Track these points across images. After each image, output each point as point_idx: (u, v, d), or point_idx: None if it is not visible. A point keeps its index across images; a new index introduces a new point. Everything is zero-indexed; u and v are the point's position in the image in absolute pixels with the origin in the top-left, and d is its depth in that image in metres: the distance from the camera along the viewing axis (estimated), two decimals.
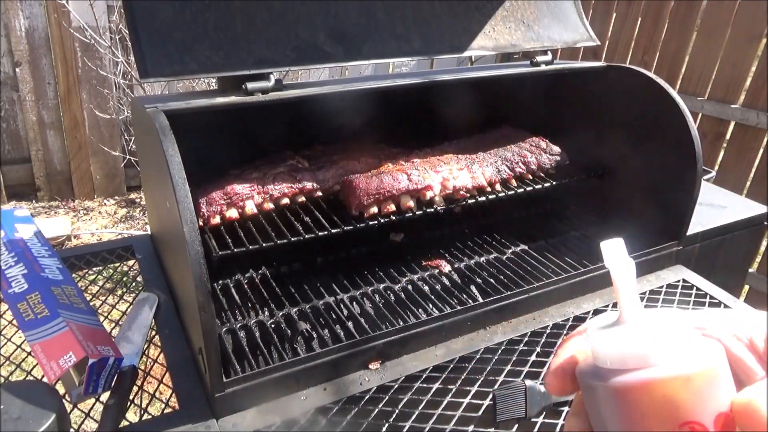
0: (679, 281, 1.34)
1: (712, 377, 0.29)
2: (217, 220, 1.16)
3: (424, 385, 0.99)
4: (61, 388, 0.88)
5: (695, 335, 0.32)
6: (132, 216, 4.02)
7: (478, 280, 1.31)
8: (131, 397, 0.95)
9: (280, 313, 1.17)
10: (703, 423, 0.29)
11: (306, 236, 1.15)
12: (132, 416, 0.93)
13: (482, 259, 1.39)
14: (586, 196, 1.63)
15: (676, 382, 0.29)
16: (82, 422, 0.95)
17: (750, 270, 2.77)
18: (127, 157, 4.01)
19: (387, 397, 0.96)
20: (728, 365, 0.30)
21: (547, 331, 1.15)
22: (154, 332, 1.13)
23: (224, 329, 1.11)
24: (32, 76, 3.77)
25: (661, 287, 1.31)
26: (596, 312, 1.22)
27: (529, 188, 1.39)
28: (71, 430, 0.83)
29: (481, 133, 1.57)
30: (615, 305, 0.34)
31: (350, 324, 1.13)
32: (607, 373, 0.31)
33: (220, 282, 1.28)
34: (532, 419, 0.93)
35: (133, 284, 1.38)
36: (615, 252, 0.34)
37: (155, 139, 0.89)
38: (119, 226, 3.88)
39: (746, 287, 2.87)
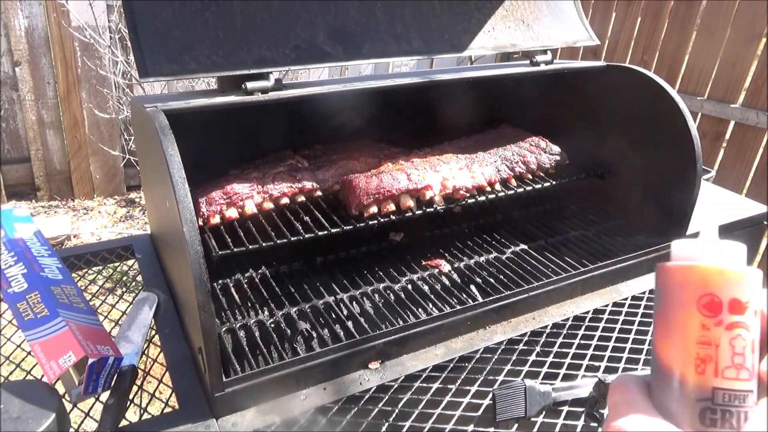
0: None
1: (738, 278, 0.43)
2: (216, 219, 1.16)
3: (424, 385, 0.99)
4: (60, 388, 0.88)
5: (742, 259, 0.45)
6: (132, 215, 4.02)
7: (478, 279, 1.31)
8: (131, 397, 0.95)
9: (280, 313, 1.17)
10: (720, 297, 0.42)
11: (306, 236, 1.15)
12: (132, 416, 0.93)
13: (482, 258, 1.39)
14: (585, 196, 1.63)
15: (714, 269, 0.43)
16: (82, 422, 0.95)
17: None
18: (127, 156, 4.01)
19: (387, 397, 0.96)
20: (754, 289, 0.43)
21: (547, 330, 1.15)
22: (153, 332, 1.13)
23: (224, 329, 1.11)
24: (32, 75, 3.77)
25: None
26: (596, 311, 1.22)
27: (528, 188, 1.39)
28: (71, 429, 0.83)
29: (480, 132, 1.57)
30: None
31: (350, 324, 1.13)
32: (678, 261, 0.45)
33: (220, 282, 1.28)
34: (532, 419, 0.93)
35: (133, 284, 1.38)
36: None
37: (155, 139, 0.89)
38: (119, 226, 3.88)
39: None
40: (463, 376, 1.01)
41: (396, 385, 0.99)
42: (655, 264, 0.46)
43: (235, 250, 1.09)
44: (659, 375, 0.44)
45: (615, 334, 1.14)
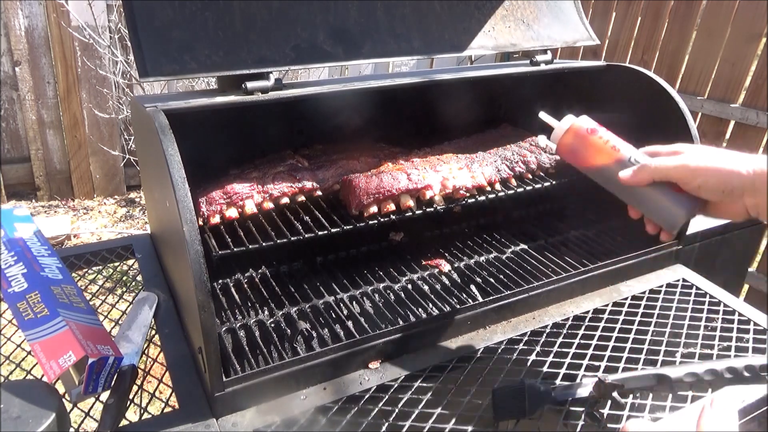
0: (678, 280, 1.34)
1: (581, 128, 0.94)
2: (216, 219, 1.16)
3: (424, 385, 0.99)
4: (60, 388, 0.88)
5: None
6: (132, 215, 4.02)
7: (478, 279, 1.31)
8: (131, 397, 0.95)
9: (280, 313, 1.17)
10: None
11: (306, 236, 1.15)
12: (132, 415, 0.93)
13: (482, 258, 1.39)
14: (585, 196, 1.63)
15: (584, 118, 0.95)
16: (82, 421, 0.95)
17: (749, 269, 2.77)
18: (127, 156, 4.01)
19: (387, 397, 0.96)
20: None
21: (547, 330, 1.15)
22: (153, 331, 1.13)
23: (224, 328, 1.12)
24: (32, 75, 3.77)
25: (661, 286, 1.31)
26: (596, 311, 1.22)
27: (528, 188, 1.39)
28: (71, 429, 0.83)
29: (480, 132, 1.57)
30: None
31: (350, 323, 1.13)
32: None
33: (220, 281, 1.28)
34: (532, 419, 0.93)
35: (133, 283, 1.38)
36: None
37: (155, 139, 0.89)
38: (119, 226, 3.88)
39: (746, 286, 2.87)
40: (463, 376, 1.01)
41: (396, 385, 0.99)
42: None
43: (235, 249, 1.09)
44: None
45: (615, 334, 1.14)
